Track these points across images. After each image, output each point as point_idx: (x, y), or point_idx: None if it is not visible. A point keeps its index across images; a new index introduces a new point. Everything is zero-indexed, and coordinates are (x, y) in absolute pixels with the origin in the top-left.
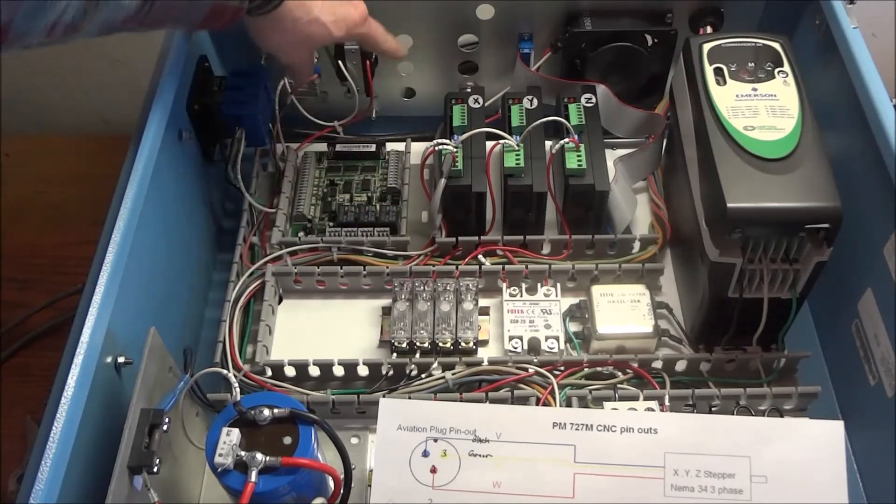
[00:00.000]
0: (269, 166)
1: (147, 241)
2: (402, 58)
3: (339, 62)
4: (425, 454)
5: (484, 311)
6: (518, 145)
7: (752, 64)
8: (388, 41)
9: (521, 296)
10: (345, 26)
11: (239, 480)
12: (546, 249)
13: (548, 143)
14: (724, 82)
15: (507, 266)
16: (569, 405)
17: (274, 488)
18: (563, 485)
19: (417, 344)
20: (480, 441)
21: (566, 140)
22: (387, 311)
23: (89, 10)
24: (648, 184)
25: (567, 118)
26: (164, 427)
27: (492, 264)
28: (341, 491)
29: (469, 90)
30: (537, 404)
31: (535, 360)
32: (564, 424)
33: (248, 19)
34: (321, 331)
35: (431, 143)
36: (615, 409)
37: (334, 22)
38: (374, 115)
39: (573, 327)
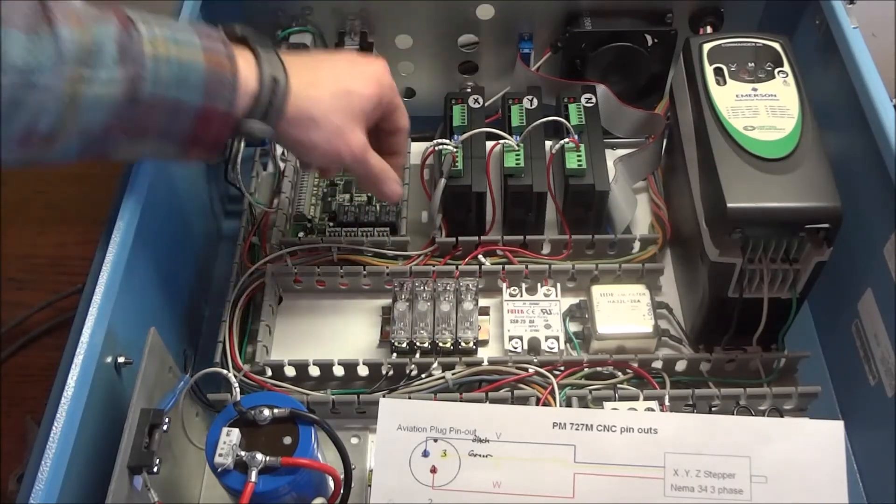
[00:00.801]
0: (269, 166)
1: (147, 240)
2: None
3: None
4: (425, 454)
5: (484, 311)
6: (518, 145)
7: (752, 64)
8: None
9: (521, 296)
10: (373, 78)
11: (239, 480)
12: (546, 249)
13: (548, 143)
14: (724, 82)
15: (507, 266)
16: (569, 405)
17: (274, 488)
18: (563, 485)
19: (417, 344)
20: (480, 441)
21: (566, 140)
22: (387, 311)
23: (65, 114)
24: (648, 184)
25: (567, 118)
26: (164, 427)
27: (492, 264)
28: (341, 491)
29: (469, 90)
30: (537, 404)
31: (535, 360)
32: (564, 424)
33: (277, 134)
34: (321, 331)
35: (431, 143)
36: (615, 409)
37: (363, 81)
38: None
39: (573, 327)
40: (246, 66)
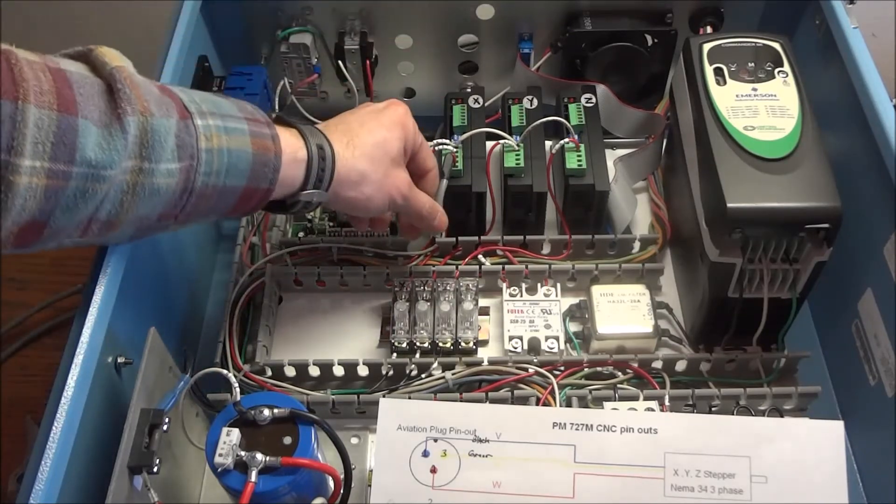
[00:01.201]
0: None
1: (147, 240)
2: (439, 228)
3: (339, 62)
4: (425, 454)
5: (484, 311)
6: (518, 145)
7: (752, 64)
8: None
9: (521, 296)
10: (402, 127)
11: (239, 480)
12: (546, 249)
13: (548, 143)
14: (724, 82)
15: (507, 266)
16: (569, 405)
17: (274, 488)
18: (563, 485)
19: (417, 344)
20: (480, 441)
21: (566, 140)
22: (387, 311)
23: (125, 203)
24: (648, 184)
25: (567, 118)
26: (164, 427)
27: (492, 264)
28: (341, 491)
29: (469, 90)
30: (537, 404)
31: (535, 360)
32: (564, 424)
33: (331, 191)
34: (321, 331)
35: (431, 143)
36: (615, 409)
37: (390, 126)
38: None
39: (573, 327)
40: (293, 142)
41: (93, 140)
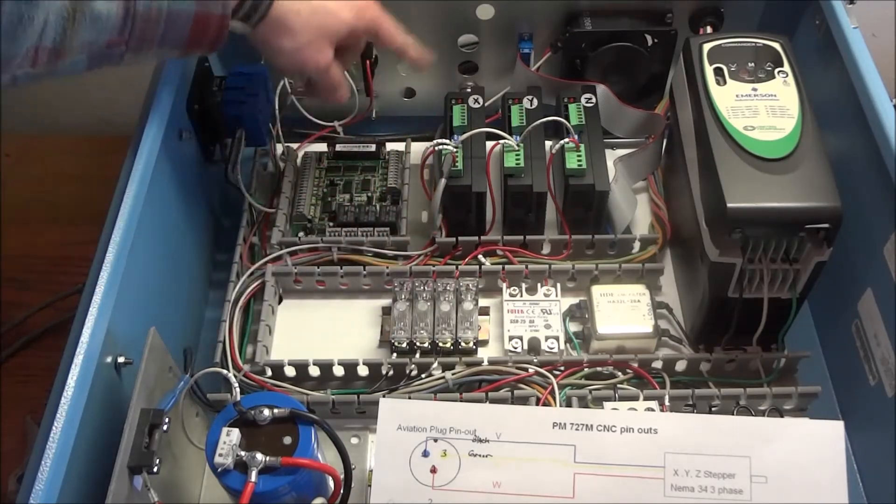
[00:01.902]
0: (269, 166)
1: (147, 241)
2: (423, 65)
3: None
4: (425, 454)
5: (484, 311)
6: (518, 145)
7: (752, 64)
8: (406, 38)
9: (521, 296)
10: (353, 9)
11: (239, 480)
12: (546, 249)
13: (548, 143)
14: (724, 82)
15: (507, 266)
16: (569, 405)
17: (274, 488)
18: (563, 485)
19: (417, 344)
20: (480, 441)
21: (566, 140)
22: (387, 311)
23: (67, 29)
24: (648, 184)
25: (567, 118)
26: (164, 427)
27: (492, 264)
28: (341, 491)
29: (469, 90)
30: (537, 404)
31: (535, 360)
32: (564, 424)
33: (252, 33)
34: (321, 331)
35: (431, 143)
36: (615, 409)
37: (339, 6)
38: (374, 115)
39: (573, 327)
40: None
41: None
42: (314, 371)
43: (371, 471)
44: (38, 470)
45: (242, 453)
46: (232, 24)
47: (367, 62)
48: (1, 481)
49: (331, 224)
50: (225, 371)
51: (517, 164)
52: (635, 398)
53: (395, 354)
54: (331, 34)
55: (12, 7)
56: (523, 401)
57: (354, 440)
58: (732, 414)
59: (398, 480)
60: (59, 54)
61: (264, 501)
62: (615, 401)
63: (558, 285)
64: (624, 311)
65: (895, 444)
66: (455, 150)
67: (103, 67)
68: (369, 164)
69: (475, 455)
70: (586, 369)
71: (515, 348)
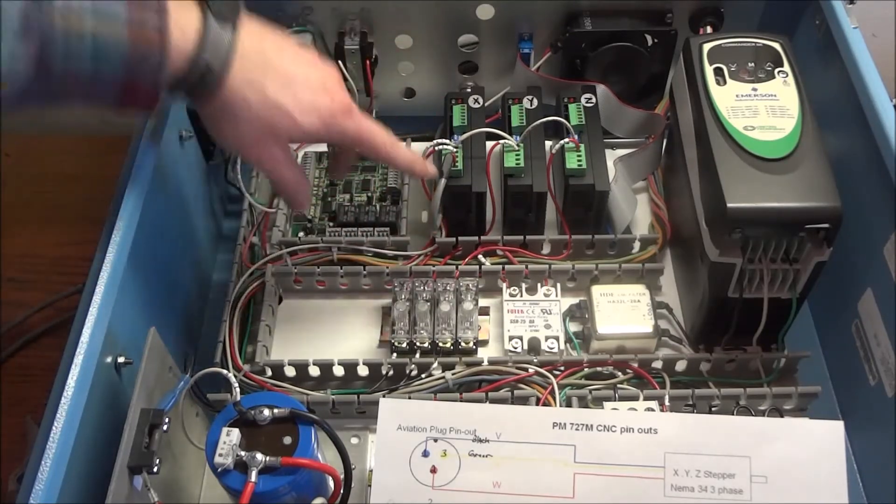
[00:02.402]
0: None
1: (147, 241)
2: (429, 175)
3: (339, 62)
4: (425, 454)
5: (484, 311)
6: (518, 145)
7: (752, 64)
8: (398, 148)
9: (521, 296)
10: (317, 117)
11: (239, 480)
12: (546, 249)
13: (548, 143)
14: (724, 82)
15: (507, 266)
16: (569, 405)
17: (274, 488)
18: (563, 485)
19: (417, 344)
20: (480, 441)
21: (566, 140)
22: (387, 311)
23: None
24: (648, 184)
25: (567, 118)
26: (164, 427)
27: (492, 264)
28: (341, 491)
29: (469, 90)
30: (537, 404)
31: (535, 360)
32: (564, 424)
33: (199, 107)
34: (321, 331)
35: (431, 143)
36: (615, 409)
37: (301, 110)
38: (373, 115)
39: (573, 327)
40: (183, 41)
41: None
42: (314, 371)
43: (371, 471)
44: (38, 470)
45: (242, 453)
46: (173, 95)
47: (367, 62)
48: (1, 481)
49: (331, 224)
50: (225, 371)
51: (517, 164)
52: (635, 398)
53: (395, 354)
54: (280, 137)
55: None
56: (523, 401)
57: (354, 440)
58: (732, 414)
59: (398, 480)
60: None
61: (264, 501)
62: (615, 401)
63: (558, 285)
64: (624, 311)
65: (895, 444)
66: (455, 150)
67: (26, 111)
68: (369, 164)
69: (475, 455)
70: (586, 369)
71: (515, 348)
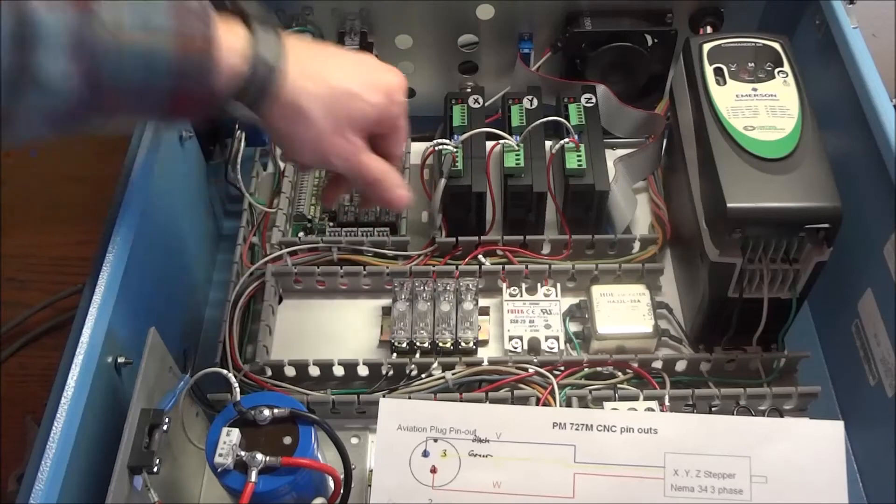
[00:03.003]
0: (269, 166)
1: (147, 241)
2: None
3: None
4: (425, 454)
5: (484, 311)
6: (518, 145)
7: (752, 64)
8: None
9: (521, 296)
10: (382, 93)
11: (239, 480)
12: (546, 249)
13: (548, 143)
14: (724, 82)
15: (507, 266)
16: (569, 405)
17: (274, 488)
18: (563, 485)
19: (417, 344)
20: (480, 441)
21: (566, 140)
22: (387, 311)
23: (17, 94)
24: (648, 184)
25: (567, 118)
26: (164, 427)
27: (492, 264)
28: (341, 491)
29: (469, 90)
30: (537, 404)
31: (535, 360)
32: (564, 424)
33: (262, 119)
34: (321, 331)
35: (431, 143)
36: (615, 409)
37: (366, 90)
38: None
39: (573, 327)
40: (234, 47)
41: None
42: (314, 371)
43: (371, 471)
44: (38, 470)
45: (242, 453)
46: (236, 108)
47: None
48: (1, 481)
49: (331, 224)
50: (225, 371)
51: (517, 164)
52: (635, 398)
53: (395, 354)
54: (355, 121)
55: None
56: (523, 401)
57: (354, 440)
58: (732, 414)
59: (398, 480)
60: (8, 118)
61: (264, 501)
62: (615, 401)
63: (558, 285)
64: (624, 311)
65: (895, 444)
66: (455, 150)
67: (70, 133)
68: None
69: (475, 455)
70: (586, 369)
71: (515, 348)
